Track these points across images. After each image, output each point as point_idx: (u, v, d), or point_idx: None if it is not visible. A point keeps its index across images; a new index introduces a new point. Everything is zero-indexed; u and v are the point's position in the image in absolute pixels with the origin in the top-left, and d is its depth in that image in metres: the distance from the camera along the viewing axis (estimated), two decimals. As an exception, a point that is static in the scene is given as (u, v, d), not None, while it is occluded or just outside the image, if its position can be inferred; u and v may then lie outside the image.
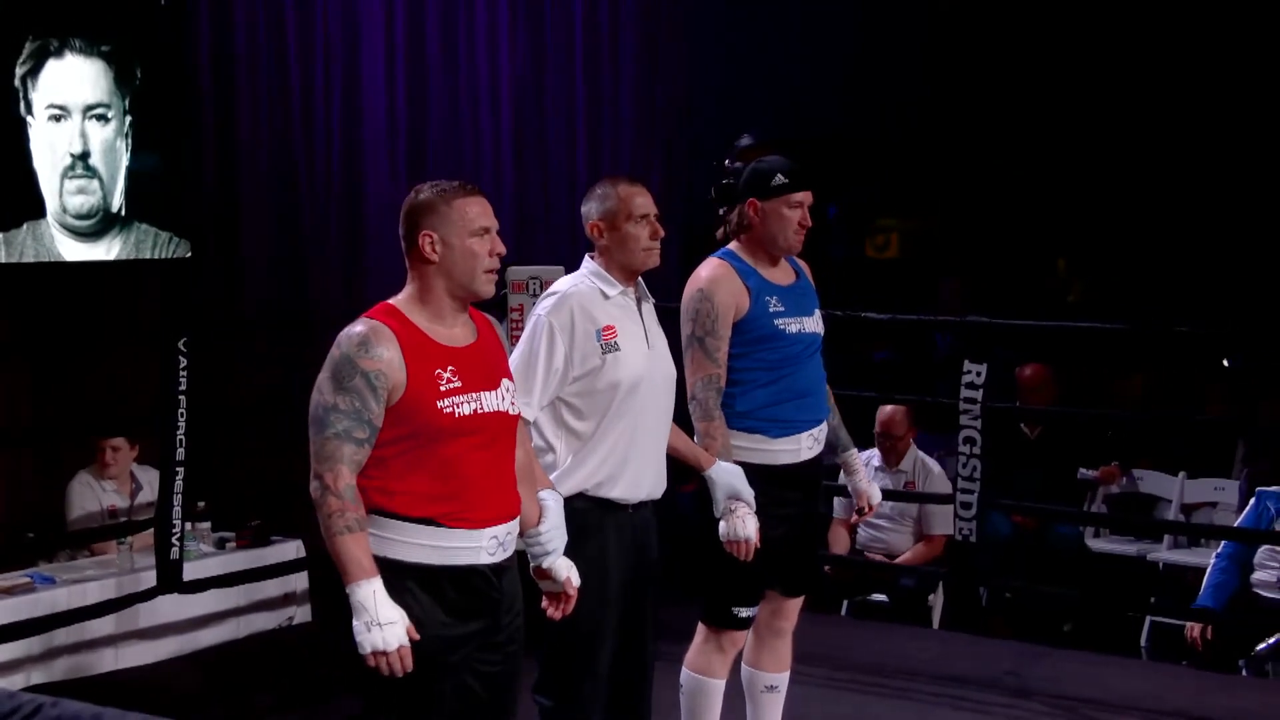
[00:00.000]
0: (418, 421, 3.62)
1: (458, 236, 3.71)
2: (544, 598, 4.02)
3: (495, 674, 3.81)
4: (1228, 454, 8.63)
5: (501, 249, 3.76)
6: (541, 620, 4.05)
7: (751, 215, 4.80)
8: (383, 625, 3.49)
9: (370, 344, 3.61)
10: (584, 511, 4.29)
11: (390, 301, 3.75)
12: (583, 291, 4.36)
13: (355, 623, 3.52)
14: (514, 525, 3.79)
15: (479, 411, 3.68)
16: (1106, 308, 10.22)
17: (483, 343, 3.80)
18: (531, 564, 3.99)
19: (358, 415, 3.58)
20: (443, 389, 3.64)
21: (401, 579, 3.60)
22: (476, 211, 3.74)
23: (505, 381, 3.80)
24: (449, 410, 3.64)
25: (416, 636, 3.55)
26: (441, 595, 3.66)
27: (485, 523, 3.69)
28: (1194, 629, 6.90)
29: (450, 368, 3.67)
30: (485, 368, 3.76)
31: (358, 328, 3.65)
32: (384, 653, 3.49)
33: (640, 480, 4.40)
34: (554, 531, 3.97)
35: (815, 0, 10.95)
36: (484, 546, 3.69)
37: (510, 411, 3.78)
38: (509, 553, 3.78)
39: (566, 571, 3.98)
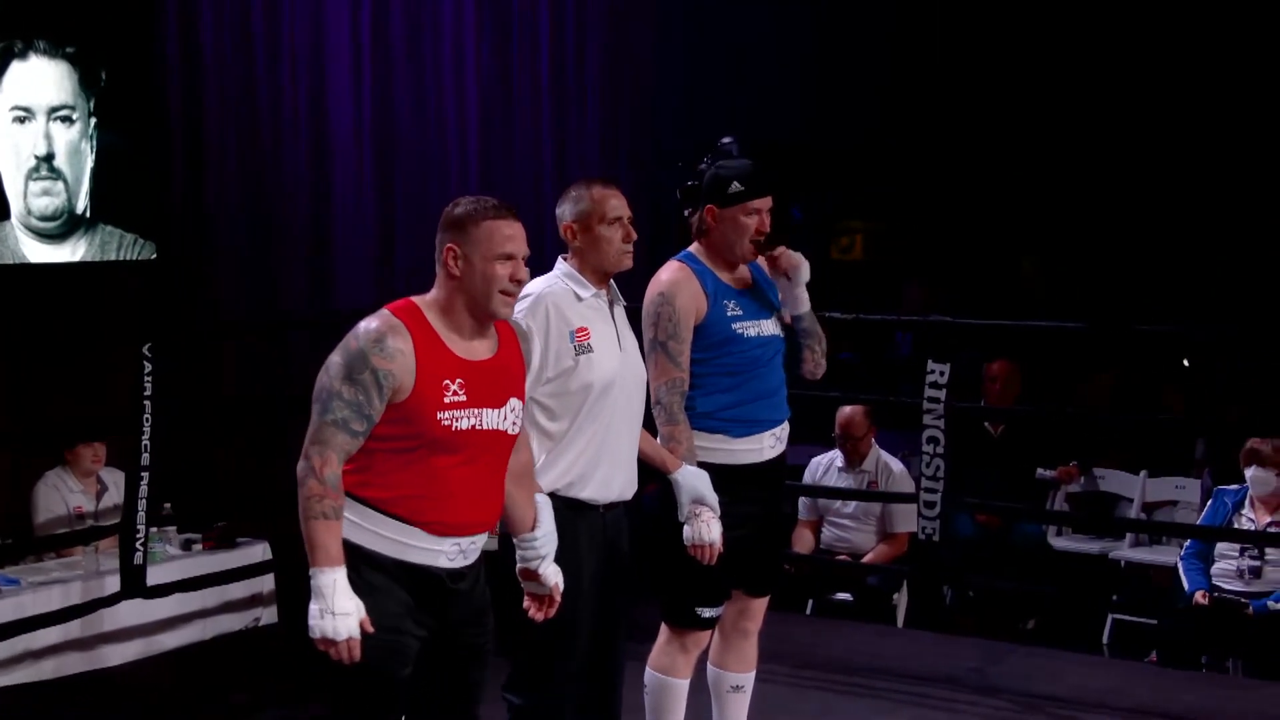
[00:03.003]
0: (414, 427, 3.63)
1: (480, 257, 3.69)
2: (526, 598, 4.04)
3: (447, 673, 3.82)
4: (1189, 453, 8.70)
5: (523, 276, 3.73)
6: (512, 620, 4.05)
7: (710, 221, 4.80)
8: (336, 614, 3.51)
9: (386, 342, 3.61)
10: (556, 511, 4.31)
11: (415, 300, 3.74)
12: (556, 292, 4.37)
13: (311, 606, 3.54)
14: (481, 536, 3.79)
15: (476, 428, 3.68)
16: (1071, 307, 10.28)
17: (501, 358, 3.79)
18: (519, 565, 4.01)
19: (359, 409, 3.58)
20: (446, 400, 3.64)
21: (359, 565, 3.62)
22: (504, 236, 3.71)
23: (513, 400, 3.78)
24: (447, 423, 3.64)
25: (370, 630, 3.56)
26: (397, 586, 3.67)
27: (451, 531, 3.70)
28: (1204, 597, 6.95)
29: (459, 380, 3.67)
30: (496, 384, 3.74)
31: (376, 323, 3.65)
32: (333, 641, 3.51)
33: (611, 481, 4.41)
34: (548, 537, 4.00)
35: (780, 6, 10.99)
36: (444, 551, 3.70)
37: (510, 431, 3.78)
38: (470, 560, 3.78)
39: (555, 577, 4.00)
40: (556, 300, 4.34)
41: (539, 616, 4.03)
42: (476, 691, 3.91)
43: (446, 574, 3.73)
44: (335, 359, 3.64)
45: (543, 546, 3.98)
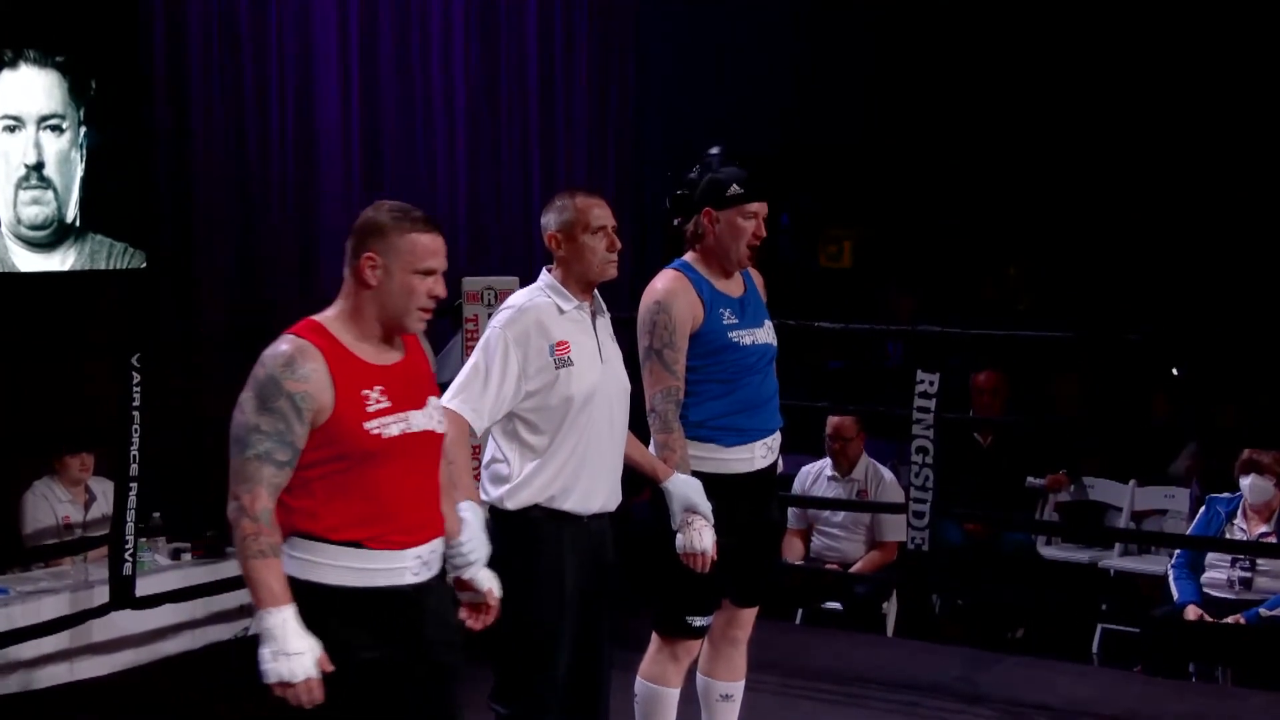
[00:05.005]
0: (344, 444, 3.52)
1: (400, 269, 3.60)
2: (463, 608, 3.95)
3: (426, 694, 3.71)
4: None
5: (441, 292, 3.66)
6: (498, 629, 4.05)
7: (707, 225, 4.80)
8: (290, 655, 3.38)
9: (296, 364, 3.50)
10: (539, 522, 4.31)
11: (316, 318, 3.64)
12: (539, 305, 4.36)
13: (262, 650, 3.41)
14: (439, 544, 3.72)
15: (407, 432, 3.60)
16: (1056, 315, 10.30)
17: (410, 360, 3.71)
18: (450, 575, 3.91)
19: (280, 437, 3.47)
20: (370, 410, 3.54)
21: (323, 603, 3.51)
22: (428, 249, 3.62)
23: (432, 399, 3.72)
24: (376, 431, 3.54)
25: (329, 668, 3.44)
26: (364, 618, 3.57)
27: (409, 544, 3.61)
28: (1194, 613, 6.94)
29: (378, 387, 3.58)
30: (412, 386, 3.67)
31: (283, 346, 3.54)
32: (290, 684, 3.39)
33: (594, 493, 4.40)
34: (474, 543, 3.90)
35: (765, 12, 11.00)
36: (408, 567, 3.61)
37: (437, 430, 3.71)
38: (434, 571, 3.70)
39: (489, 583, 3.91)
40: (538, 314, 4.34)
41: (477, 626, 3.94)
42: (457, 711, 3.82)
43: (414, 589, 3.64)
44: (246, 394, 3.52)
45: (471, 553, 3.87)
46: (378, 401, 3.57)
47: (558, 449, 4.32)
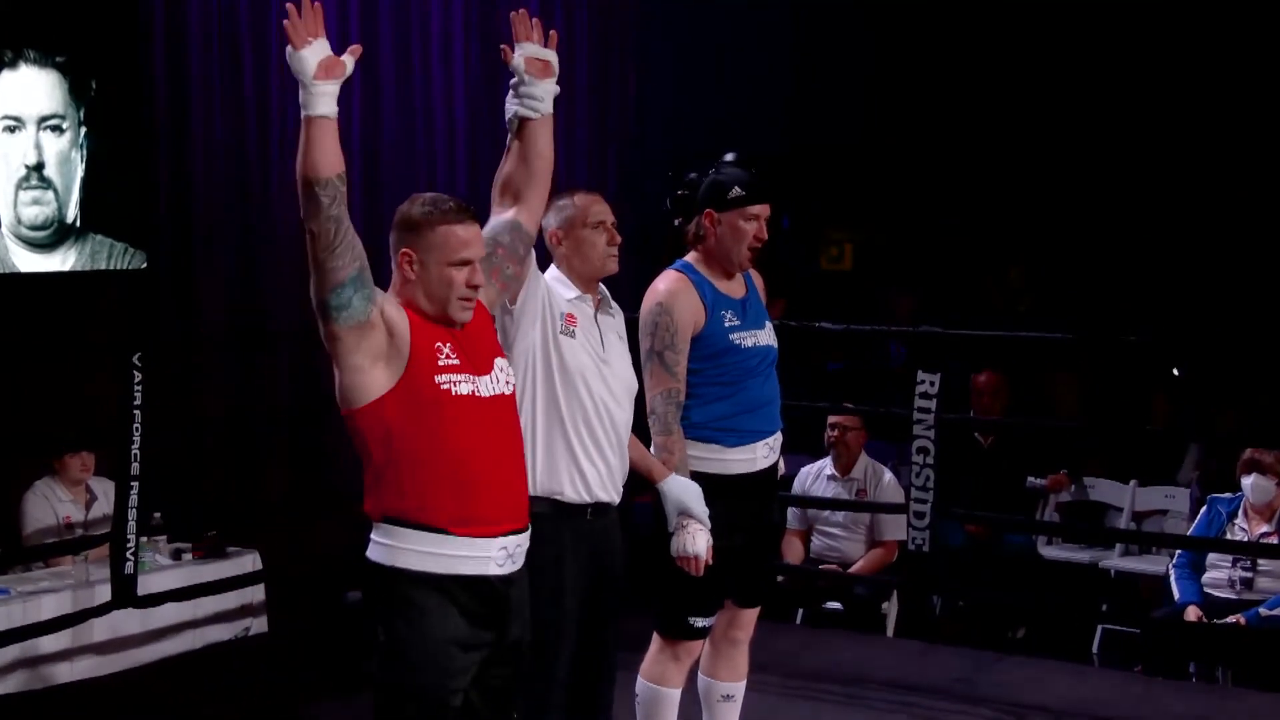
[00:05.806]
0: (419, 397, 3.56)
1: (435, 263, 3.64)
2: None
3: (498, 688, 3.74)
4: (1178, 464, 8.71)
5: (479, 280, 3.69)
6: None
7: (708, 226, 4.81)
8: None
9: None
10: (542, 517, 4.30)
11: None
12: (549, 284, 4.41)
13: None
14: (524, 538, 3.73)
15: (476, 394, 3.63)
16: (1057, 316, 10.29)
17: (474, 323, 3.74)
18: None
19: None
20: (441, 363, 3.60)
21: (412, 589, 3.54)
22: (461, 241, 3.66)
23: (498, 360, 3.76)
24: (446, 386, 3.59)
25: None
26: (453, 604, 3.58)
27: (495, 532, 3.63)
28: (1194, 614, 6.94)
29: (449, 344, 3.63)
30: (479, 347, 3.71)
31: None
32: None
33: (589, 482, 4.38)
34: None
35: (765, 12, 11.00)
36: (493, 557, 3.63)
37: (507, 391, 3.74)
38: (518, 565, 3.72)
39: None
40: (551, 285, 4.41)
41: None
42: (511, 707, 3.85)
43: (499, 581, 3.66)
44: None
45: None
46: (448, 356, 3.63)
47: (551, 424, 4.33)
